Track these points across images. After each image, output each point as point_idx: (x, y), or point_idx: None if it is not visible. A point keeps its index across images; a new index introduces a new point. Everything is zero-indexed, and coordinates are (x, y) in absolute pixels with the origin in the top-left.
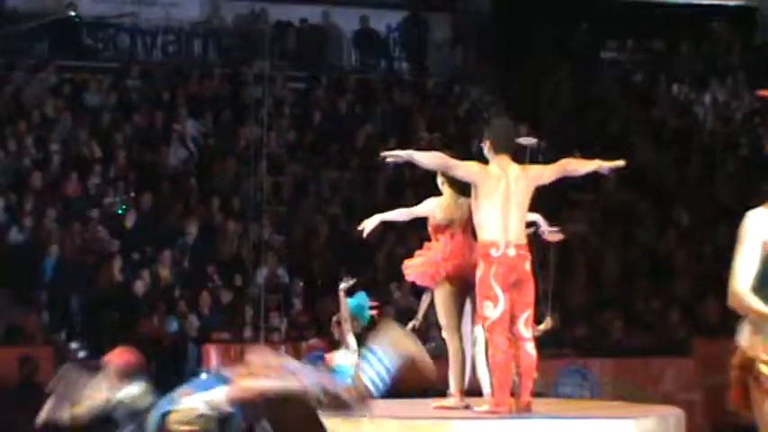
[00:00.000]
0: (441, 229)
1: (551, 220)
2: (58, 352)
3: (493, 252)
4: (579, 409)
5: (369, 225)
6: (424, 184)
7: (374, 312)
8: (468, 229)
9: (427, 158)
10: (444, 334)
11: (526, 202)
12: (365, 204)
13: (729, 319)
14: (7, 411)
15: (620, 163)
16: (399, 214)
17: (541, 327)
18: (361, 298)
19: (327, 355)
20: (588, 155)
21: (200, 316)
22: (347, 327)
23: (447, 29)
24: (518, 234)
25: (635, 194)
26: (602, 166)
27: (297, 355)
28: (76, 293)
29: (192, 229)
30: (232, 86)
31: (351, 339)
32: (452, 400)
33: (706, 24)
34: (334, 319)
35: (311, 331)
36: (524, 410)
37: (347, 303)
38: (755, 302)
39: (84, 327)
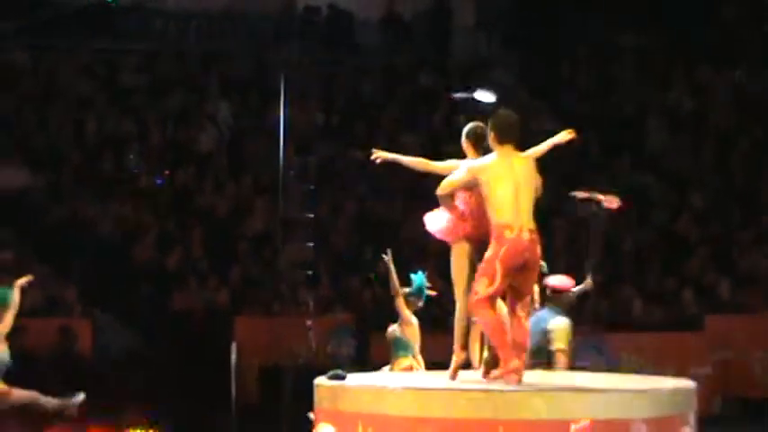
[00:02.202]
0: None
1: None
2: (95, 323)
3: (507, 234)
4: (596, 382)
5: (382, 155)
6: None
7: (432, 293)
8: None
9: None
10: (455, 292)
11: (532, 188)
12: (390, 185)
13: (740, 297)
14: (45, 379)
15: (571, 135)
16: (418, 163)
17: (580, 287)
18: (420, 278)
19: (389, 329)
20: (606, 136)
21: (231, 290)
22: (400, 301)
23: (471, 14)
24: (530, 218)
25: (649, 177)
26: (560, 140)
27: (324, 328)
28: (113, 268)
29: (223, 207)
30: (260, 70)
31: (407, 313)
32: (454, 357)
33: (720, 9)
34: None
35: (337, 306)
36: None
37: (396, 279)
38: None
39: (119, 299)
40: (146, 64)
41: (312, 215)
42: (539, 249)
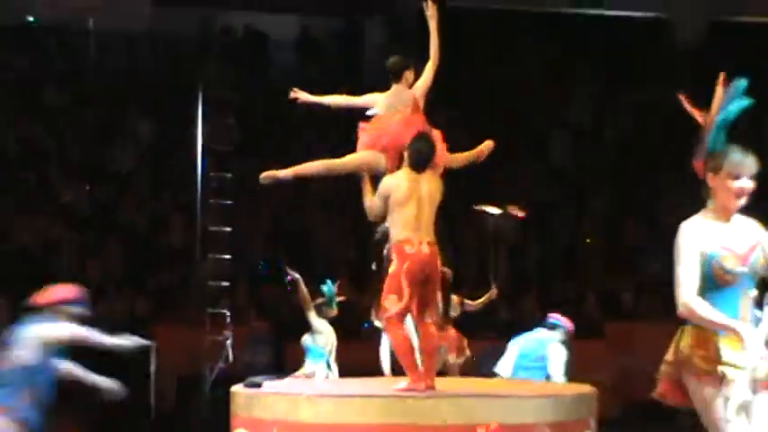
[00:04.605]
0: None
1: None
2: None
3: (407, 249)
4: (500, 388)
5: (302, 96)
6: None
7: (341, 299)
8: (417, 111)
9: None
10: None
11: (435, 204)
12: (301, 197)
13: (640, 305)
14: None
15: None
16: (339, 99)
17: (486, 296)
18: (330, 288)
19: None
20: (512, 150)
21: (151, 301)
22: (311, 312)
23: (382, 32)
24: (429, 231)
25: (552, 189)
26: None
27: (241, 336)
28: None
29: (143, 221)
30: (179, 88)
31: (317, 323)
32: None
33: (619, 33)
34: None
35: (253, 315)
36: (429, 388)
37: (305, 291)
38: (710, 311)
39: None
40: (66, 81)
41: (229, 228)
42: (439, 260)
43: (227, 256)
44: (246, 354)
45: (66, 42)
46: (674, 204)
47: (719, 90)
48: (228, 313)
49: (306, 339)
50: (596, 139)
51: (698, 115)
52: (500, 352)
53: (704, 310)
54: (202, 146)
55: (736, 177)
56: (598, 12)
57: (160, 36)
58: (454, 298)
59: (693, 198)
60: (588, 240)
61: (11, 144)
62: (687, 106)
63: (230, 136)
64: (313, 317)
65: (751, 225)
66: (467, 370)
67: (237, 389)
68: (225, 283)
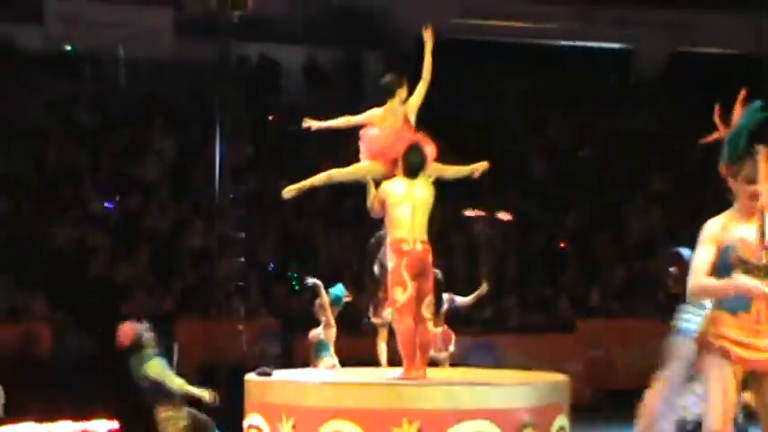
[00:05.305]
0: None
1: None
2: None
3: (404, 246)
4: (483, 377)
5: (314, 124)
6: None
7: (348, 299)
8: (408, 125)
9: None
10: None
11: (428, 208)
12: (311, 207)
13: (606, 304)
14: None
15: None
16: (342, 122)
17: (476, 292)
18: (339, 289)
19: (312, 332)
20: (497, 166)
21: (173, 299)
22: (327, 311)
23: (380, 62)
24: (423, 232)
25: (532, 201)
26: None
27: (253, 331)
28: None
29: (166, 227)
30: (199, 109)
31: (331, 319)
32: None
33: (590, 63)
34: (317, 302)
35: (264, 312)
36: (421, 378)
37: (325, 294)
38: (715, 282)
39: (76, 307)
40: (99, 103)
41: (244, 234)
42: (430, 257)
43: (242, 259)
44: (258, 346)
45: (98, 69)
46: (638, 217)
47: (738, 107)
48: (242, 310)
49: (320, 334)
50: (571, 158)
51: (721, 128)
52: (482, 346)
53: (711, 284)
54: (219, 161)
55: (752, 182)
56: (572, 43)
57: (182, 64)
58: (444, 296)
59: (657, 212)
60: (562, 246)
61: (50, 159)
62: (716, 119)
63: (244, 152)
64: (329, 314)
65: None
66: (453, 361)
67: (250, 377)
68: (239, 283)
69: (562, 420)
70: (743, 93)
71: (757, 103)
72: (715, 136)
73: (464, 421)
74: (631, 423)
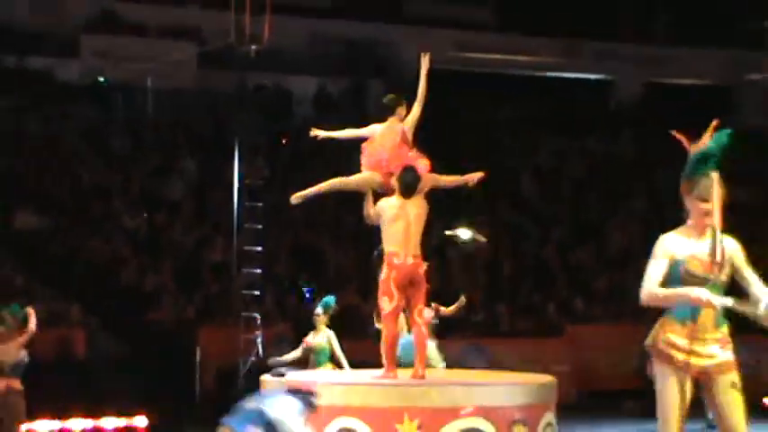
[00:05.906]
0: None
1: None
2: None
3: (395, 260)
4: (477, 378)
5: (320, 133)
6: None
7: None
8: (405, 140)
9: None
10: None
11: (422, 224)
12: (318, 223)
13: (591, 311)
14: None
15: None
16: (349, 133)
17: (455, 304)
18: (330, 299)
19: (307, 338)
20: (490, 185)
21: (196, 307)
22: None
23: (383, 89)
24: (416, 246)
25: (523, 217)
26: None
27: (268, 337)
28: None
29: (190, 242)
30: (219, 134)
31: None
32: None
33: (573, 92)
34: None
35: (279, 319)
36: (419, 378)
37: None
38: (665, 291)
39: (109, 314)
40: (129, 129)
41: (260, 248)
42: (422, 269)
43: (258, 271)
44: (273, 349)
45: (129, 98)
46: (618, 232)
47: (708, 133)
48: (259, 317)
49: (321, 343)
50: (556, 178)
51: (688, 148)
52: (476, 349)
53: (661, 291)
54: (238, 181)
55: (705, 200)
56: (557, 75)
57: (204, 93)
58: (432, 306)
59: (636, 227)
60: (549, 257)
61: (84, 180)
62: (682, 140)
63: (261, 173)
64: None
65: (727, 241)
66: (449, 364)
67: (266, 377)
68: (256, 293)
69: (549, 418)
70: (715, 122)
71: (727, 131)
72: (686, 144)
73: (460, 418)
74: (613, 421)
